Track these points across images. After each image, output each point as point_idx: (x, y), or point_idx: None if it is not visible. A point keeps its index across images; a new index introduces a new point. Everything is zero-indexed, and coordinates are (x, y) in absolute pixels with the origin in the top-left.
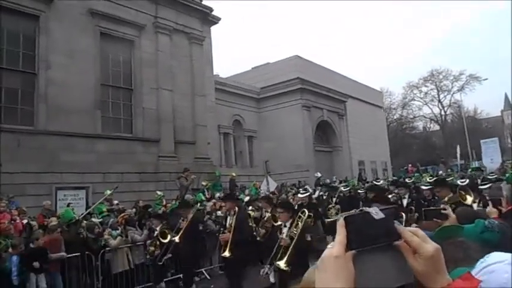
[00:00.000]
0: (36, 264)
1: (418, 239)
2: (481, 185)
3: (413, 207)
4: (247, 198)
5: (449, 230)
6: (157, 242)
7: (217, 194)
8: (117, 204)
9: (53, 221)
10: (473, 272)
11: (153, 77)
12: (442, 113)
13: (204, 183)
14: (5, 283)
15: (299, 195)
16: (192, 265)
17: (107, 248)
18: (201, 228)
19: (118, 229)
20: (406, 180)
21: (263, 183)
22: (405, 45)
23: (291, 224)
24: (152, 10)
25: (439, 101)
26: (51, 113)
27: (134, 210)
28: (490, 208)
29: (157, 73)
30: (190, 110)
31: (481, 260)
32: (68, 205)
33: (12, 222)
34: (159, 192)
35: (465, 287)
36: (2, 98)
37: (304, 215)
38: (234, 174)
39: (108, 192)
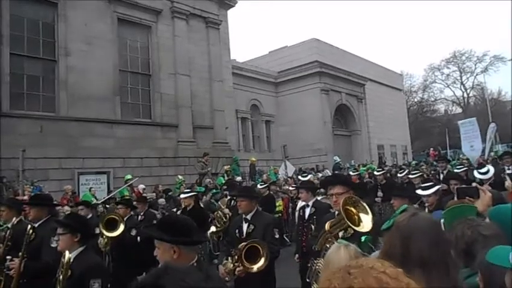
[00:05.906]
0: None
1: None
2: (421, 188)
3: (313, 222)
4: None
5: (462, 210)
6: None
7: (238, 178)
8: (144, 189)
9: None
10: None
11: (170, 62)
12: (465, 95)
13: (226, 168)
14: None
15: (181, 195)
16: None
17: None
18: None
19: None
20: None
21: (281, 167)
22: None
23: None
24: None
25: (462, 83)
26: (72, 100)
27: (154, 194)
28: (508, 182)
29: (175, 58)
30: (208, 94)
31: None
32: (90, 189)
33: None
34: (180, 177)
35: None
36: (25, 85)
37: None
38: (253, 159)
39: (129, 176)
